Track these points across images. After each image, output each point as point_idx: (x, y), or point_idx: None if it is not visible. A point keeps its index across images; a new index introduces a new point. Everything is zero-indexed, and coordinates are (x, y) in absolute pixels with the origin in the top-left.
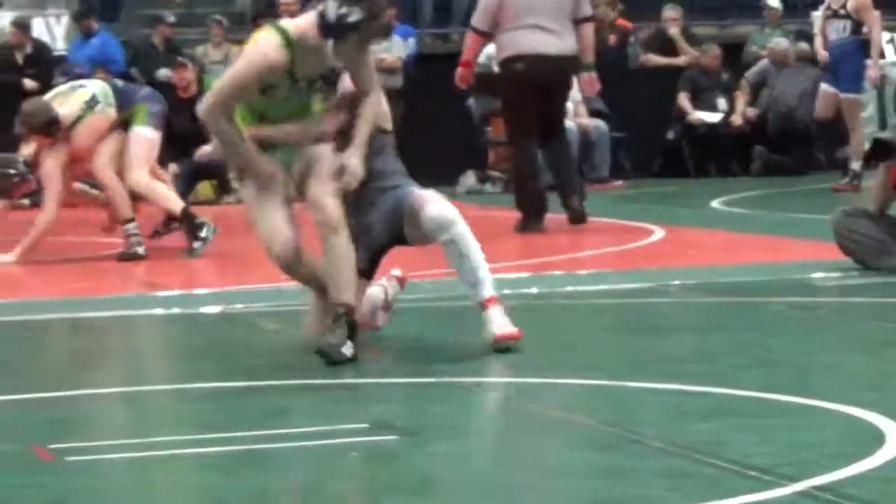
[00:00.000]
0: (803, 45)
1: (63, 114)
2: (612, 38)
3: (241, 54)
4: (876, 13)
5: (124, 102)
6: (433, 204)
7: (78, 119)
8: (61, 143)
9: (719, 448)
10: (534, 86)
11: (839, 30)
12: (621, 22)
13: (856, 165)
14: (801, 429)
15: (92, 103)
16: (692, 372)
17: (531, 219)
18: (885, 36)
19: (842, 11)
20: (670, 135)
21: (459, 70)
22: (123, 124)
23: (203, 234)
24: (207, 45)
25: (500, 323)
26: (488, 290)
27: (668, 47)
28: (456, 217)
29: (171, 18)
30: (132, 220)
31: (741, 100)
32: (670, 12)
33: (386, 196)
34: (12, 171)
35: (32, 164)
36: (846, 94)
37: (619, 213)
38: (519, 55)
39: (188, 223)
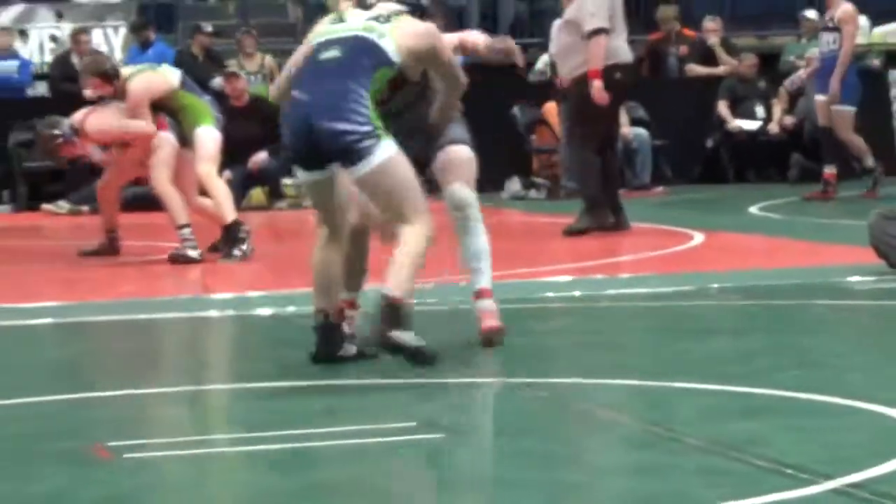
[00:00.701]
0: None
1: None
2: (683, 49)
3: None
4: (852, 28)
5: (186, 86)
6: (457, 185)
7: (139, 72)
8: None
9: (757, 447)
10: (623, 94)
11: (829, 42)
12: (687, 32)
13: (870, 163)
14: (838, 428)
15: (155, 67)
16: (731, 373)
17: (604, 214)
18: None
19: (830, 24)
20: (709, 142)
21: (596, 82)
22: (181, 140)
23: (243, 247)
24: (240, 56)
25: (487, 316)
26: (483, 282)
27: (708, 57)
28: (472, 202)
29: (209, 28)
30: (188, 225)
31: (778, 108)
32: (710, 23)
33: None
34: (57, 132)
35: (79, 131)
36: (835, 106)
37: (660, 218)
38: (618, 64)
39: (233, 233)
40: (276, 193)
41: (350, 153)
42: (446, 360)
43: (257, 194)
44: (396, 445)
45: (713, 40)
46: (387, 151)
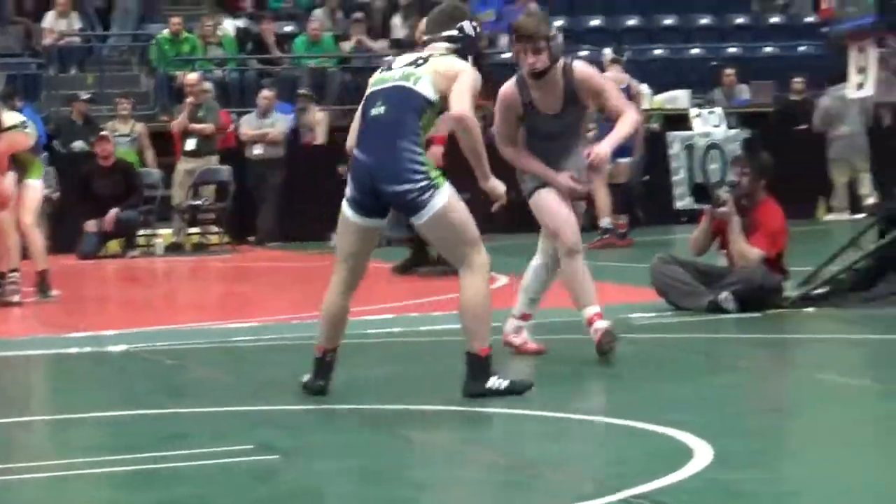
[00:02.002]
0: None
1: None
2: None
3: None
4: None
5: (37, 149)
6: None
7: (11, 128)
8: None
9: (558, 464)
10: None
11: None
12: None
13: (604, 223)
14: (626, 447)
15: (24, 126)
16: (533, 399)
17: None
18: (693, 111)
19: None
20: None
21: None
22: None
23: (51, 293)
24: (115, 120)
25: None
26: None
27: None
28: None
29: (86, 96)
30: (17, 269)
31: None
32: None
33: None
34: None
35: None
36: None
37: None
38: None
39: (46, 280)
40: (130, 244)
41: (413, 207)
42: (283, 390)
43: (113, 245)
44: (235, 466)
45: None
46: (443, 198)
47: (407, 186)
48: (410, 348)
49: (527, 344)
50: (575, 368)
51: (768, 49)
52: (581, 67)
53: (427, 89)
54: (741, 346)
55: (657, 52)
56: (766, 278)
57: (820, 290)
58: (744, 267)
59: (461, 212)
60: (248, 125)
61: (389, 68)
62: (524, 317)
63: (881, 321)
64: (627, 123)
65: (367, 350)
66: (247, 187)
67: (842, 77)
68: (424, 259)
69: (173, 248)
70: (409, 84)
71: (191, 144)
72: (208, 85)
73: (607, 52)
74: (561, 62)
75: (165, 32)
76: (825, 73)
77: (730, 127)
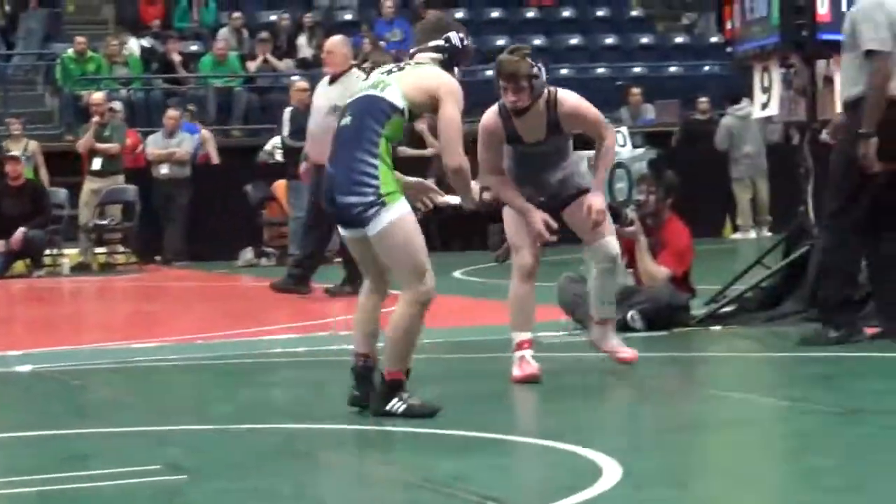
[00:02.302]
0: None
1: None
2: None
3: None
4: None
5: None
6: (608, 238)
7: None
8: None
9: (463, 482)
10: None
11: None
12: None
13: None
14: (534, 465)
15: None
16: (439, 417)
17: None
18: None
19: None
20: (419, 215)
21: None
22: None
23: None
24: (8, 140)
25: (611, 343)
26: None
27: (418, 140)
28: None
29: None
30: None
31: (478, 185)
32: None
33: None
34: None
35: None
36: None
37: None
38: None
39: None
40: (37, 264)
41: (360, 221)
42: (189, 410)
43: (19, 265)
44: (141, 486)
45: (421, 126)
46: (391, 216)
47: (354, 199)
48: (319, 367)
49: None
50: (488, 386)
51: (673, 69)
52: (569, 102)
53: (394, 95)
54: (648, 364)
55: (563, 71)
56: (673, 297)
57: (727, 309)
58: (651, 286)
59: (408, 233)
60: (155, 145)
61: (367, 79)
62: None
63: (787, 339)
64: (608, 157)
65: (275, 369)
66: (154, 207)
67: (742, 97)
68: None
69: (80, 268)
70: (376, 91)
71: (97, 164)
72: (118, 105)
73: None
74: (545, 93)
75: (70, 52)
76: (730, 92)
77: (635, 146)
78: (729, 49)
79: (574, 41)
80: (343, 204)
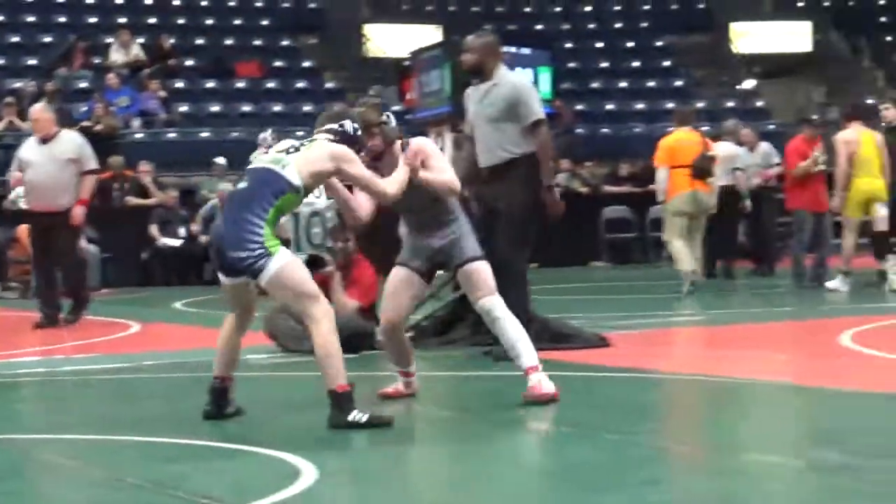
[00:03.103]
0: None
1: None
2: (126, 186)
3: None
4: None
5: None
6: (484, 300)
7: None
8: None
9: (183, 484)
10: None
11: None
12: (127, 173)
13: None
14: (245, 469)
15: None
16: (162, 427)
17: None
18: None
19: None
20: (144, 255)
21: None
22: None
23: None
24: None
25: (535, 388)
26: (526, 362)
27: (143, 191)
28: (497, 308)
29: None
30: None
31: (195, 228)
32: (144, 166)
33: None
34: None
35: None
36: None
37: (108, 313)
38: None
39: None
40: None
41: (251, 272)
42: None
43: None
44: None
45: (147, 179)
46: (278, 263)
47: (244, 254)
48: (54, 385)
49: None
50: (197, 402)
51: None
52: (414, 146)
53: (293, 175)
54: None
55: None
56: (361, 325)
57: (407, 335)
58: (343, 315)
59: (296, 272)
60: None
61: (267, 151)
62: None
63: (456, 360)
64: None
65: (17, 387)
66: None
67: None
68: (82, 308)
69: None
70: (276, 168)
71: None
72: None
73: (265, 136)
74: (399, 142)
75: None
76: None
77: (329, 197)
78: (408, 116)
79: (277, 108)
80: (233, 258)
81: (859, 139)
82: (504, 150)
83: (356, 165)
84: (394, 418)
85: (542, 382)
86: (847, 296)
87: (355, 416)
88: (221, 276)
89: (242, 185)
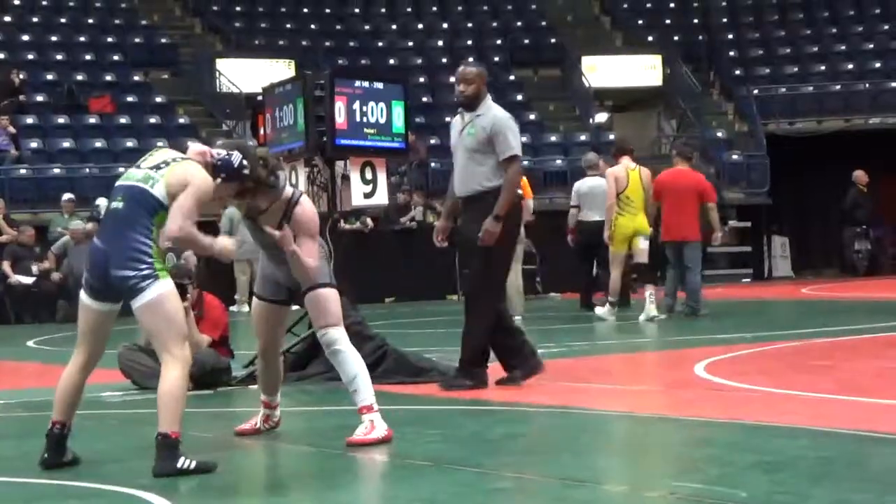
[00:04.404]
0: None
1: None
2: None
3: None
4: None
5: None
6: (325, 329)
7: None
8: None
9: None
10: None
11: None
12: None
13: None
14: None
15: None
16: (18, 467)
17: None
18: None
19: None
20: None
21: None
22: None
23: None
24: None
25: (359, 431)
26: (361, 400)
27: None
28: (339, 340)
29: None
30: None
31: (48, 265)
32: None
33: None
34: None
35: None
36: None
37: None
38: None
39: None
40: None
41: (132, 292)
42: None
43: None
44: None
45: None
46: (162, 288)
47: (131, 273)
48: None
49: None
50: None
51: None
52: (300, 210)
53: (160, 192)
54: (198, 419)
55: (120, 169)
56: (217, 360)
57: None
58: (197, 351)
59: (175, 304)
60: None
61: (138, 167)
62: None
63: (312, 394)
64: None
65: None
66: None
67: None
68: None
69: None
70: (146, 186)
71: None
72: None
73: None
74: (288, 195)
75: None
76: None
77: None
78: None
79: (130, 144)
80: (119, 276)
81: (627, 175)
82: (478, 183)
83: (192, 194)
84: (217, 464)
85: (374, 423)
86: (692, 323)
87: (184, 462)
88: (90, 301)
89: (116, 204)
